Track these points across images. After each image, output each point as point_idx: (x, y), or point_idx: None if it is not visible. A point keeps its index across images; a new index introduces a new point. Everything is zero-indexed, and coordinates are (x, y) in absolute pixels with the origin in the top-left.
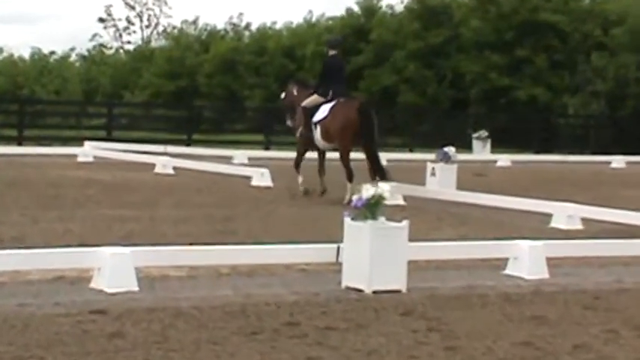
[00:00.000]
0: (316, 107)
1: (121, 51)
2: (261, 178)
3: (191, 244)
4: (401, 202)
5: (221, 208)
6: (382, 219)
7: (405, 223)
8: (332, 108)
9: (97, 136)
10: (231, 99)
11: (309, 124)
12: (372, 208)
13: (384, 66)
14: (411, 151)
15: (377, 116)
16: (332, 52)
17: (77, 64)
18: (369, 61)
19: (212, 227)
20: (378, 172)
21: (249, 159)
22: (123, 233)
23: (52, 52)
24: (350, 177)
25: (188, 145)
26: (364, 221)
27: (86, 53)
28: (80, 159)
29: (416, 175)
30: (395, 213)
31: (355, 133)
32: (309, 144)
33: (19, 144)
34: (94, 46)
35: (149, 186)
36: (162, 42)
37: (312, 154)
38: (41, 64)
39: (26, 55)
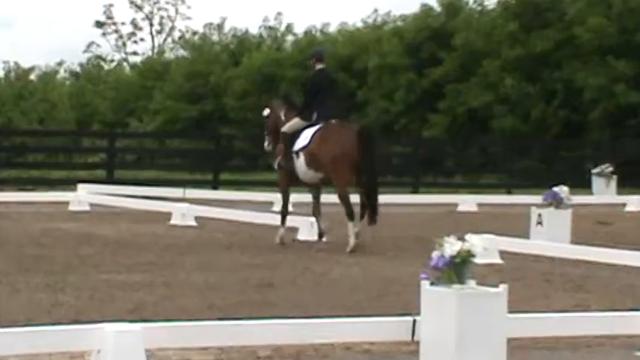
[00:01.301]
0: (297, 133)
1: (125, 65)
2: (311, 229)
3: (220, 319)
4: (497, 260)
5: (258, 271)
6: (472, 283)
7: (502, 288)
8: (319, 132)
9: (95, 177)
10: None
11: (289, 153)
12: (459, 269)
13: (472, 80)
14: (509, 192)
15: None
16: (319, 66)
17: (67, 82)
18: (451, 74)
19: (247, 296)
20: (371, 215)
21: (295, 205)
22: (130, 306)
23: (33, 68)
24: (350, 214)
25: (215, 187)
26: (448, 286)
27: (79, 68)
28: (73, 207)
29: (516, 223)
30: (489, 275)
31: (354, 162)
32: (291, 178)
33: None
34: (90, 59)
35: (164, 242)
36: (180, 52)
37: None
38: (19, 84)
39: None
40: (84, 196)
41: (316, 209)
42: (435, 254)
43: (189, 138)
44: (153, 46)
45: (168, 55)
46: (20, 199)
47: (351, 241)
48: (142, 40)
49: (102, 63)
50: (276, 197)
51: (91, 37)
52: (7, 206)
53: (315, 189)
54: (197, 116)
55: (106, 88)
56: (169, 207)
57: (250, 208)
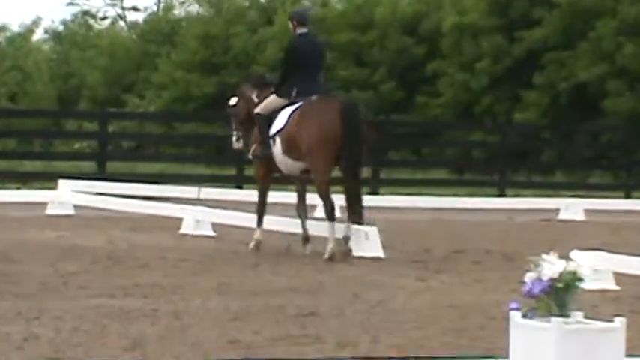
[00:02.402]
0: (274, 114)
1: (122, 24)
2: (366, 241)
3: (246, 359)
4: (611, 285)
5: (296, 296)
6: (578, 315)
7: (618, 322)
8: (297, 111)
9: (81, 170)
10: None
11: (266, 139)
12: (561, 296)
13: (580, 47)
14: (628, 196)
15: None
16: (301, 30)
17: (46, 47)
18: (552, 39)
19: (281, 329)
20: (354, 211)
21: (342, 208)
22: (127, 341)
23: (4, 27)
24: (331, 213)
25: (238, 185)
26: (546, 319)
27: (61, 28)
28: (52, 210)
29: (637, 237)
30: (601, 304)
31: (336, 148)
32: (270, 168)
33: None
34: (75, 16)
35: (172, 257)
36: (193, 8)
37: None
38: None
39: None
40: (66, 196)
41: (300, 207)
42: (528, 277)
43: (205, 121)
44: (158, 0)
45: (178, 11)
46: None
47: (330, 246)
48: None
49: (91, 21)
50: (317, 200)
51: None
52: None
53: (299, 183)
54: (215, 92)
55: (97, 55)
56: (179, 211)
57: (284, 212)
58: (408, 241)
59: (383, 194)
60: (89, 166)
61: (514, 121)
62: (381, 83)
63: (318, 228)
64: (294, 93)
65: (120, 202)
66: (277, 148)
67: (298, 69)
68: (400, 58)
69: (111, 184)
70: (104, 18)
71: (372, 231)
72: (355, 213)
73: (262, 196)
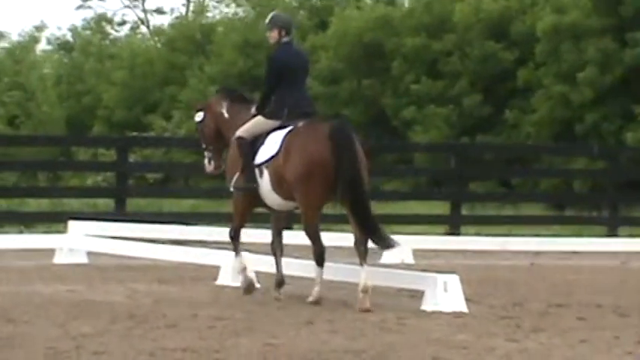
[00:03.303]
0: (260, 138)
1: (144, 29)
2: (445, 293)
3: None
4: None
5: None
6: None
7: None
8: (288, 138)
9: (96, 209)
10: (375, 120)
11: (251, 169)
12: None
13: None
14: None
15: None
16: (285, 39)
17: (53, 58)
18: None
19: None
20: (371, 232)
21: (417, 252)
22: None
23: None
24: (320, 256)
25: (288, 227)
26: None
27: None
28: (61, 258)
29: None
30: None
31: (328, 178)
32: (253, 202)
33: None
34: (88, 21)
35: (207, 314)
36: (231, 10)
37: None
38: None
39: None
40: (78, 241)
41: (277, 245)
42: None
43: None
44: (187, 0)
45: (212, 13)
46: None
47: (316, 290)
48: None
49: (107, 27)
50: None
51: None
52: None
53: (277, 219)
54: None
55: (114, 68)
56: (216, 257)
57: (343, 258)
58: (496, 292)
59: (465, 234)
60: (105, 203)
61: (626, 143)
62: (463, 97)
63: (377, 274)
64: (284, 113)
65: (143, 247)
66: (265, 182)
67: (285, 85)
68: (485, 67)
69: (132, 225)
70: (122, 23)
71: (453, 280)
72: (368, 230)
73: (238, 229)
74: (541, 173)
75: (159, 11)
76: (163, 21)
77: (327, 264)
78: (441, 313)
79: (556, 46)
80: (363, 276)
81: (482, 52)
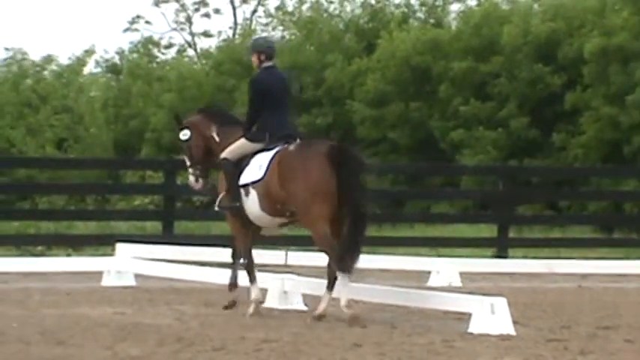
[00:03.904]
0: (244, 160)
1: (191, 52)
2: (492, 316)
3: None
4: None
5: None
6: None
7: None
8: (277, 160)
9: (144, 231)
10: (422, 143)
11: (235, 189)
12: None
13: None
14: None
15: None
16: (267, 64)
17: (101, 81)
18: None
19: None
20: (349, 253)
21: (464, 274)
22: None
23: (50, 58)
24: (340, 262)
25: None
26: None
27: (118, 59)
28: (109, 281)
29: None
30: None
31: (332, 198)
32: (246, 221)
33: None
34: (136, 44)
35: (254, 337)
36: (277, 33)
37: None
38: (26, 87)
39: None
40: (126, 264)
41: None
42: None
43: None
44: (235, 23)
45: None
46: (26, 268)
47: (322, 306)
48: (217, 11)
49: (154, 49)
50: (434, 263)
51: (137, 9)
52: (5, 280)
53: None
54: (307, 132)
55: (162, 91)
56: (263, 280)
57: (389, 281)
58: (543, 315)
59: (512, 257)
60: (153, 226)
61: None
62: (510, 120)
63: (436, 299)
64: (267, 136)
65: (190, 270)
66: (252, 202)
67: (267, 108)
68: (533, 90)
69: (179, 248)
70: (169, 46)
71: (500, 303)
72: (348, 253)
73: (246, 251)
74: (589, 196)
75: (206, 34)
76: (210, 44)
77: (368, 286)
78: (488, 335)
79: (604, 69)
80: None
81: (530, 75)
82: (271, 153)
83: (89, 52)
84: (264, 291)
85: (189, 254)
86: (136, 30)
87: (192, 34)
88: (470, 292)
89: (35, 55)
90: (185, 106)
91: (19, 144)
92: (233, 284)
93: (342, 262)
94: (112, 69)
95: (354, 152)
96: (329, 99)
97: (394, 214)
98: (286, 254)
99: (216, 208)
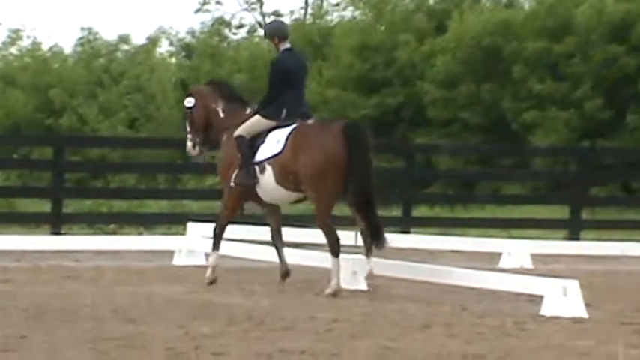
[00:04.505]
0: (259, 137)
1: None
2: (564, 298)
3: None
4: None
5: None
6: None
7: None
8: (293, 136)
9: (215, 212)
10: (494, 124)
11: (250, 166)
12: None
13: None
14: None
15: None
16: (284, 46)
17: (172, 61)
18: None
19: None
20: (375, 235)
21: (536, 256)
22: None
23: (124, 39)
24: (335, 246)
25: (405, 231)
26: None
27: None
28: (180, 260)
29: None
30: None
31: (341, 175)
32: (247, 197)
33: (55, 230)
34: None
35: (324, 317)
36: (348, 13)
37: None
38: (99, 66)
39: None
40: (197, 243)
41: (277, 240)
42: None
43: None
44: (306, 3)
45: (331, 16)
46: (98, 246)
47: (333, 282)
48: None
49: (225, 30)
50: (505, 244)
51: None
52: (78, 258)
53: (273, 218)
54: (376, 115)
55: (233, 71)
56: (326, 261)
57: (460, 262)
58: (616, 297)
59: (584, 239)
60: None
61: None
62: (585, 101)
63: (507, 281)
64: (283, 114)
65: (260, 249)
66: (268, 177)
67: (286, 88)
68: (607, 71)
69: (249, 227)
70: (240, 26)
71: (572, 285)
72: (374, 235)
73: (226, 222)
74: None
75: (276, 14)
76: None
77: (439, 267)
78: (560, 318)
79: None
80: (370, 266)
81: (604, 56)
82: (288, 129)
83: (160, 33)
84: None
85: (259, 234)
86: (207, 11)
87: (262, 14)
88: (542, 274)
89: (109, 36)
90: (256, 86)
91: (92, 123)
92: (285, 271)
93: (372, 240)
94: (186, 48)
95: (366, 133)
96: (399, 79)
97: (465, 195)
98: (356, 235)
99: (232, 185)
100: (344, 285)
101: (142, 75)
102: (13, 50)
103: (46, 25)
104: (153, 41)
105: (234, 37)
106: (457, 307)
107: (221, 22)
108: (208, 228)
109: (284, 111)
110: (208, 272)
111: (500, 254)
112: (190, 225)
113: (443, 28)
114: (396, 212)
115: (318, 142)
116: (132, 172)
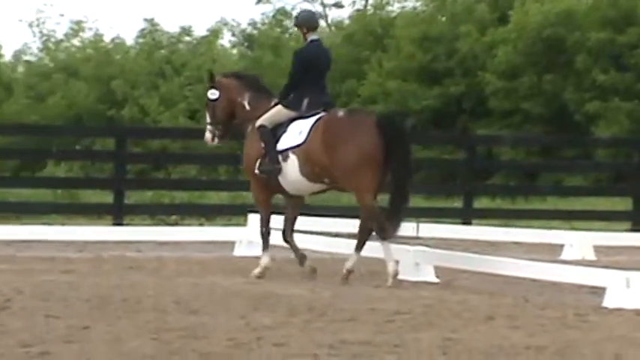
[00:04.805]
0: (281, 126)
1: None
2: (627, 290)
3: None
4: None
5: (542, 357)
6: None
7: None
8: (322, 127)
9: (276, 202)
10: (556, 115)
11: (274, 154)
12: None
13: None
14: None
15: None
16: (312, 37)
17: (234, 52)
18: None
19: None
20: (393, 220)
21: (598, 248)
22: None
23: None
24: (382, 231)
25: (466, 222)
26: None
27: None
28: (240, 251)
29: None
30: None
31: (380, 167)
32: (273, 189)
33: (117, 221)
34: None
35: (386, 308)
36: (408, 3)
37: None
38: (160, 57)
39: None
40: (258, 234)
41: (289, 233)
42: None
43: (424, 142)
44: None
45: (392, 7)
46: (160, 237)
47: (391, 266)
48: None
49: (286, 21)
50: (565, 236)
51: None
52: (140, 249)
53: (292, 207)
54: (437, 106)
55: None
56: (395, 252)
57: (522, 254)
58: None
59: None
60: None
61: None
62: None
63: (570, 273)
64: (304, 105)
65: (322, 240)
66: (292, 167)
67: (308, 78)
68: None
69: (312, 219)
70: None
71: (635, 277)
72: (392, 220)
73: (267, 216)
74: None
75: (337, 5)
76: (342, 14)
77: (502, 258)
78: (622, 310)
79: None
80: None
81: None
82: (312, 119)
83: (224, 24)
84: (394, 262)
85: (321, 225)
86: (269, 2)
87: (323, 5)
88: (604, 266)
89: (170, 27)
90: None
91: (153, 114)
92: (302, 256)
93: (383, 230)
94: (248, 39)
95: (402, 123)
96: (461, 70)
97: (527, 186)
98: (417, 226)
99: (256, 172)
100: (406, 277)
101: (203, 66)
102: (76, 42)
103: (108, 16)
104: (214, 32)
105: (295, 28)
106: (519, 299)
107: (282, 13)
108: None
109: (305, 101)
110: (257, 270)
111: (562, 246)
112: (251, 216)
113: (505, 19)
114: (458, 203)
115: (353, 136)
116: (193, 163)
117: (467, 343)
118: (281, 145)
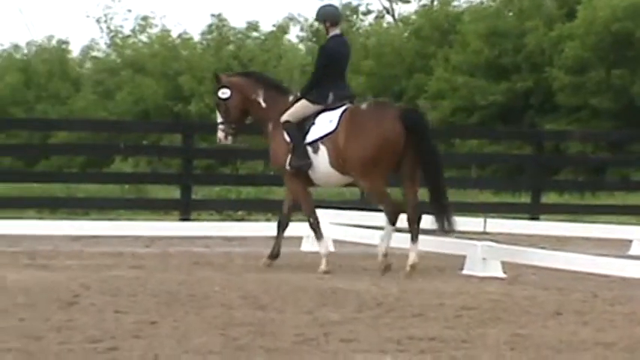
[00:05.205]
0: (306, 121)
1: (389, 18)
2: None
3: None
4: None
5: (611, 354)
6: None
7: None
8: (347, 118)
9: (344, 198)
10: (624, 110)
11: (302, 148)
12: None
13: None
14: None
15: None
16: (335, 32)
17: (301, 47)
18: None
19: None
20: (442, 216)
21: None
22: None
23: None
24: (393, 215)
25: (534, 217)
26: None
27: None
28: (308, 246)
29: None
30: None
31: (395, 158)
32: (306, 181)
33: (184, 217)
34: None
35: (453, 304)
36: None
37: None
38: (228, 53)
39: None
40: (324, 230)
41: (285, 224)
42: None
43: (491, 138)
44: None
45: (458, 2)
46: (227, 232)
47: (412, 256)
48: None
49: (352, 17)
50: (634, 233)
51: None
52: (207, 244)
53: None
54: (504, 101)
55: (361, 57)
56: (461, 247)
57: (590, 249)
58: None
59: None
60: (351, 192)
61: None
62: None
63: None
64: (330, 98)
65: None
66: (322, 159)
67: (331, 73)
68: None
69: (377, 214)
70: (367, 12)
71: None
72: (441, 216)
73: (311, 208)
74: None
75: (404, 1)
76: (408, 9)
77: (569, 254)
78: None
79: None
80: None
81: None
82: (339, 110)
83: (290, 20)
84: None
85: (384, 220)
86: None
87: (390, 0)
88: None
89: (237, 23)
90: (384, 72)
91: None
92: (277, 254)
93: (442, 220)
94: (315, 35)
95: (424, 118)
96: (528, 65)
97: (595, 181)
98: (485, 221)
99: (287, 167)
100: (473, 272)
101: (270, 62)
102: (143, 37)
103: (175, 12)
104: (281, 28)
105: (362, 24)
106: (588, 295)
107: (349, 8)
108: (337, 214)
109: (331, 95)
110: (323, 264)
111: (630, 241)
112: (321, 212)
113: (572, 14)
114: (525, 199)
115: (374, 126)
116: (260, 159)
117: (535, 338)
118: (311, 137)
